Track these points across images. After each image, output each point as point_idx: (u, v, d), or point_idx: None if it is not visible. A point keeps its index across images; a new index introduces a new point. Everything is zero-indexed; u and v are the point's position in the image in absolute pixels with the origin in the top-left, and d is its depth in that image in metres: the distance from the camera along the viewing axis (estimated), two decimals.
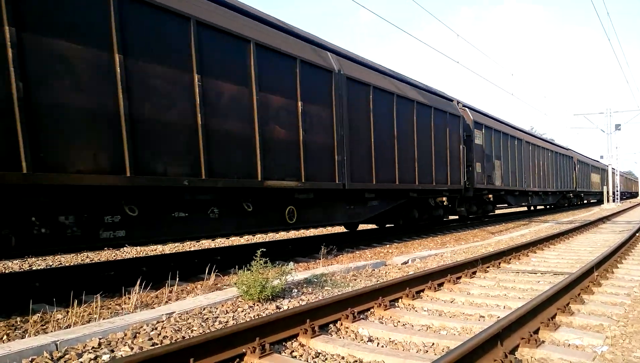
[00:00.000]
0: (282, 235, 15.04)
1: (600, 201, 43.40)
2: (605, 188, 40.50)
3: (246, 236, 14.23)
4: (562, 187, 30.17)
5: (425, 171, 13.13)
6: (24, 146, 4.99)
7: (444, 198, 14.95)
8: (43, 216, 5.51)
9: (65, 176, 5.33)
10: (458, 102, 16.56)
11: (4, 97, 4.88)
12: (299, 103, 8.73)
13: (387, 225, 15.12)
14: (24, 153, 4.99)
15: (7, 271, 8.49)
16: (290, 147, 8.52)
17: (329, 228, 17.37)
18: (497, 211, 24.16)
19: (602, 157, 46.55)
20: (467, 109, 16.82)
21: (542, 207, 32.02)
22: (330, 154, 9.57)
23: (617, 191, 41.59)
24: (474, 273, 7.18)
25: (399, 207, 12.86)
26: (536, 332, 4.10)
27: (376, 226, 15.54)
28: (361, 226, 15.62)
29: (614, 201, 40.49)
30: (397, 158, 11.70)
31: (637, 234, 12.14)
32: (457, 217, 18.14)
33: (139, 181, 6.03)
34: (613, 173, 42.18)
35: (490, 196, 18.94)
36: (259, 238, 14.16)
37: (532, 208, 30.85)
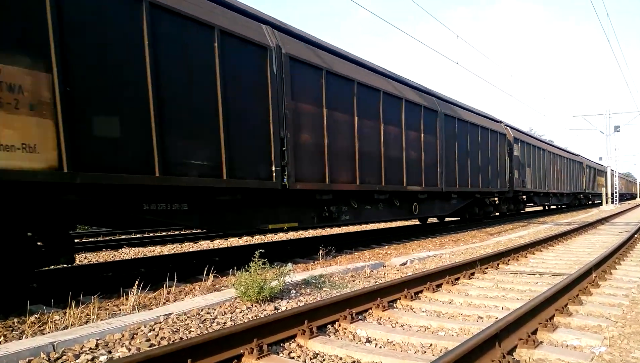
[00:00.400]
0: (280, 236, 15.04)
1: (572, 206, 43.51)
2: (604, 189, 40.51)
3: (245, 237, 14.22)
4: (574, 189, 34.01)
5: (485, 177, 17.84)
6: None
7: (496, 198, 19.81)
8: (332, 206, 9.98)
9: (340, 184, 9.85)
10: (501, 122, 21.13)
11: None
12: (422, 135, 13.23)
13: (455, 218, 19.76)
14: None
15: None
16: (417, 164, 12.97)
17: (327, 229, 17.38)
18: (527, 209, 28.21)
19: (601, 158, 46.63)
20: (508, 128, 21.56)
21: (555, 207, 34.74)
22: (435, 169, 14.06)
23: (616, 193, 41.62)
24: (473, 274, 7.18)
25: (467, 204, 17.61)
26: (534, 332, 4.10)
27: (456, 219, 20.07)
28: (363, 227, 15.70)
29: (612, 202, 40.52)
30: (470, 168, 16.51)
31: (636, 235, 12.15)
32: (497, 213, 21.38)
33: (362, 187, 10.55)
34: (612, 174, 42.22)
35: (524, 196, 23.85)
36: (258, 239, 14.16)
37: (547, 207, 33.43)
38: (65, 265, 8.41)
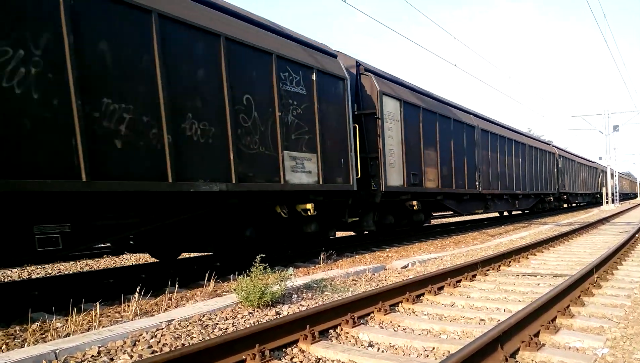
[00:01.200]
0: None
1: (591, 204, 43.97)
2: (604, 189, 40.50)
3: None
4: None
5: (545, 183, 26.35)
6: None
7: (551, 198, 28.66)
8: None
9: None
10: (550, 143, 29.04)
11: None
12: (519, 159, 21.21)
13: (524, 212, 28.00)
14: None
15: (6, 280, 8.47)
16: (516, 177, 20.19)
17: None
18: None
19: (600, 158, 46.64)
20: (555, 147, 29.36)
21: (584, 203, 37.58)
22: (523, 179, 21.93)
23: (616, 192, 41.60)
24: (474, 276, 7.18)
25: (537, 201, 26.23)
26: (537, 335, 4.09)
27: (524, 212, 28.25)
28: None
29: (613, 202, 40.49)
30: (538, 178, 25.08)
31: (637, 235, 12.14)
32: (551, 207, 29.73)
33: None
34: (612, 174, 42.21)
35: (565, 196, 31.43)
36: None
37: (578, 204, 38.29)
38: (65, 272, 8.44)
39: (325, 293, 6.20)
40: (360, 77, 11.90)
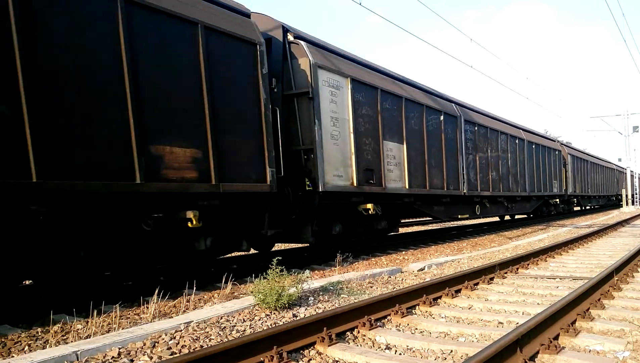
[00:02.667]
0: (296, 244, 15.03)
1: (607, 206, 42.62)
2: (624, 191, 39.89)
3: None
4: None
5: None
6: None
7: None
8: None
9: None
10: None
11: None
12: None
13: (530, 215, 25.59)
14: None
15: (27, 282, 8.61)
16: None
17: None
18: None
19: (620, 160, 45.94)
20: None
21: (597, 206, 34.58)
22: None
23: (637, 194, 40.94)
24: (492, 279, 7.12)
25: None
26: (556, 338, 4.06)
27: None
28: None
29: (633, 204, 39.85)
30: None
31: None
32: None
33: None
34: (632, 175, 41.56)
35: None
36: (274, 247, 14.17)
37: (592, 207, 35.25)
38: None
39: (342, 295, 6.21)
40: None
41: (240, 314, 5.19)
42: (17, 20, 4.90)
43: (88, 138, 5.52)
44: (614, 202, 43.47)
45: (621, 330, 4.37)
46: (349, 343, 4.32)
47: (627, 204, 38.32)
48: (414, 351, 4.11)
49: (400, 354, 4.05)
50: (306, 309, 5.48)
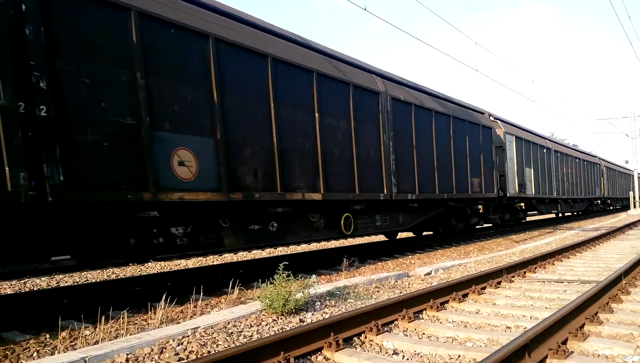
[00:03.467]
0: (303, 248, 15.06)
1: (626, 207, 42.90)
2: (631, 193, 39.64)
3: (267, 250, 14.27)
4: (589, 194, 31.05)
5: (593, 189, 30.75)
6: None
7: (599, 201, 33.32)
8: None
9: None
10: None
11: None
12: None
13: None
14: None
15: (35, 289, 8.66)
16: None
17: (350, 240, 17.34)
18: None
19: (627, 162, 45.74)
20: (601, 160, 34.91)
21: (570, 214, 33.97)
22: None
23: None
24: (499, 283, 7.09)
25: (588, 205, 30.78)
26: (564, 342, 4.04)
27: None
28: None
29: None
30: (586, 185, 28.48)
31: None
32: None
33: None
34: (639, 178, 41.30)
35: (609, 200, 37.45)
36: (281, 251, 14.20)
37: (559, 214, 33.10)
38: (93, 281, 8.58)
39: (349, 300, 6.20)
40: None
41: (247, 319, 5.20)
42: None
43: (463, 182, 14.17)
44: (627, 203, 44.90)
45: (630, 334, 4.35)
46: (356, 349, 4.31)
47: (634, 206, 38.06)
48: (421, 356, 4.10)
49: (407, 359, 4.04)
50: (313, 314, 5.48)
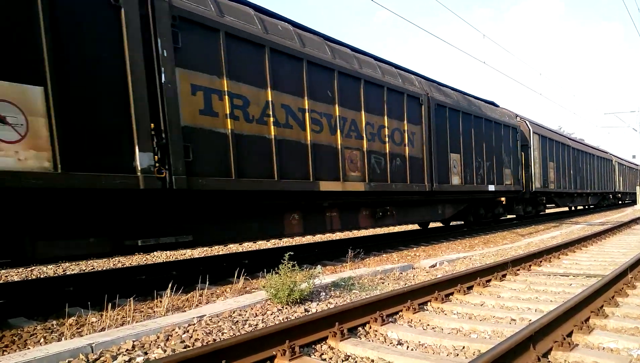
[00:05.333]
0: (308, 239, 15.09)
1: (635, 201, 42.85)
2: (637, 188, 39.39)
3: (272, 240, 14.31)
4: (603, 189, 33.08)
5: (606, 184, 32.76)
6: None
7: (611, 195, 36.07)
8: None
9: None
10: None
11: None
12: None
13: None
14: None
15: (42, 276, 8.73)
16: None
17: (355, 232, 17.35)
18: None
19: (634, 156, 45.61)
20: (613, 156, 36.91)
21: (581, 207, 35.02)
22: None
23: None
24: (504, 276, 7.09)
25: (602, 198, 33.33)
26: (569, 335, 4.04)
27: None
28: (390, 229, 15.69)
29: None
30: (599, 179, 29.95)
31: None
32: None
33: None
34: None
35: (620, 194, 39.04)
36: (285, 242, 14.23)
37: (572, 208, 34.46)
38: (99, 269, 8.63)
39: (353, 291, 6.22)
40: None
41: (252, 308, 5.22)
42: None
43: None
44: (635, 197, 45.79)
45: (635, 327, 4.33)
46: (361, 339, 4.33)
47: None
48: (425, 347, 4.11)
49: (412, 350, 4.05)
50: (318, 304, 5.49)
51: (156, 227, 6.70)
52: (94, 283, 7.22)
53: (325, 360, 3.82)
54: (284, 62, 8.04)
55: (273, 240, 14.42)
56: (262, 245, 13.44)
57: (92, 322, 4.88)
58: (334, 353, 3.96)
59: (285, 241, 14.29)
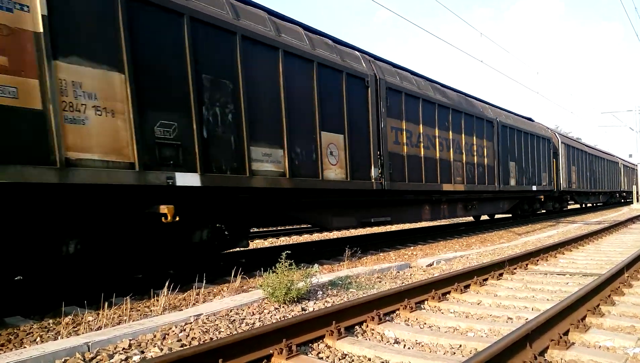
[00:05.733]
0: (305, 238, 15.09)
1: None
2: (634, 187, 39.52)
3: (270, 239, 14.31)
4: (612, 188, 37.54)
5: (613, 184, 35.89)
6: None
7: (617, 194, 39.63)
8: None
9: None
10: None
11: None
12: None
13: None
14: None
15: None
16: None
17: (352, 231, 17.36)
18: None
19: (630, 156, 45.82)
20: (619, 158, 40.64)
21: (591, 205, 38.07)
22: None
23: None
24: (501, 274, 7.10)
25: (610, 196, 36.79)
26: (566, 333, 4.04)
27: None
28: (388, 228, 15.68)
29: None
30: (608, 180, 34.04)
31: None
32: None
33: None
34: None
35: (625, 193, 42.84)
36: (282, 241, 14.23)
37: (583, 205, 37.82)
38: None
39: (350, 290, 6.22)
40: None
41: (249, 307, 5.22)
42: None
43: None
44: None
45: (632, 326, 4.35)
46: (358, 337, 4.33)
47: (637, 200, 37.93)
48: (422, 345, 4.12)
49: (409, 348, 4.05)
50: (315, 303, 5.50)
51: (376, 211, 11.03)
52: (91, 282, 7.19)
53: (322, 358, 3.82)
54: (429, 107, 12.36)
55: (270, 239, 14.43)
56: (259, 244, 13.43)
57: (89, 321, 4.87)
58: (330, 351, 3.97)
59: (282, 240, 14.29)
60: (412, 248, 11.59)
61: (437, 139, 12.60)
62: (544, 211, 23.88)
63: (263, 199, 8.04)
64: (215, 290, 6.53)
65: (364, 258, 9.71)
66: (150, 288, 6.30)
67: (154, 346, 3.94)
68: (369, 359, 3.77)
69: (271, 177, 7.71)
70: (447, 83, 15.26)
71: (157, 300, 5.57)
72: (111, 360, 3.64)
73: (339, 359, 3.78)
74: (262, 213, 8.72)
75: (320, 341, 4.17)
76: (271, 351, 3.70)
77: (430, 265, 8.50)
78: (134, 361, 3.63)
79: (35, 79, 4.85)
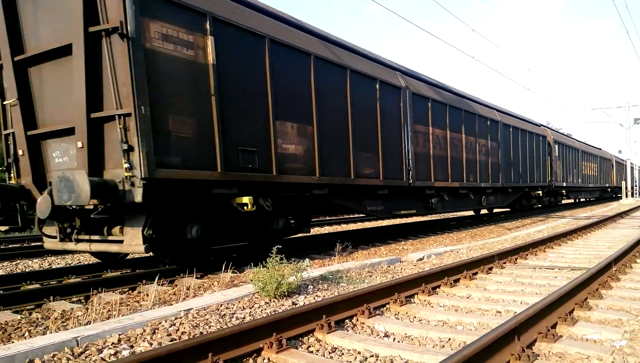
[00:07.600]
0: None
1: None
2: (623, 183, 39.93)
3: None
4: (604, 184, 38.93)
5: (605, 180, 38.54)
6: None
7: (609, 189, 40.62)
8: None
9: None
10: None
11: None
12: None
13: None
14: None
15: (27, 270, 8.64)
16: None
17: (344, 226, 17.39)
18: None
19: (620, 151, 46.27)
20: (612, 156, 42.96)
21: (584, 199, 39.18)
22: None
23: (636, 186, 40.98)
24: (491, 269, 7.15)
25: (602, 191, 39.84)
26: (554, 326, 4.08)
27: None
28: (380, 223, 15.75)
29: (632, 196, 39.89)
30: (600, 176, 36.12)
31: None
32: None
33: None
34: (632, 167, 41.59)
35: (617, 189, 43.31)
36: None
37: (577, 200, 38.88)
38: (85, 262, 8.59)
39: (341, 284, 6.23)
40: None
41: (240, 302, 5.21)
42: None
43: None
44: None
45: (618, 319, 4.39)
46: (348, 331, 4.34)
47: (626, 196, 38.33)
48: (412, 339, 4.14)
49: (398, 342, 4.07)
50: (305, 297, 5.50)
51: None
52: (80, 277, 7.15)
53: (312, 352, 3.82)
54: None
55: None
56: None
57: (78, 316, 4.85)
58: (321, 345, 3.97)
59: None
60: (403, 242, 11.63)
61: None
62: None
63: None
64: (205, 285, 6.50)
65: (355, 252, 9.73)
66: (140, 283, 6.28)
67: (144, 340, 3.93)
68: (359, 352, 3.78)
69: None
70: (447, 84, 15.74)
71: (147, 295, 5.55)
72: (100, 355, 3.62)
73: (329, 353, 3.79)
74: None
75: (311, 335, 4.17)
76: (261, 345, 3.70)
77: (421, 259, 8.54)
78: (124, 355, 3.61)
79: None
